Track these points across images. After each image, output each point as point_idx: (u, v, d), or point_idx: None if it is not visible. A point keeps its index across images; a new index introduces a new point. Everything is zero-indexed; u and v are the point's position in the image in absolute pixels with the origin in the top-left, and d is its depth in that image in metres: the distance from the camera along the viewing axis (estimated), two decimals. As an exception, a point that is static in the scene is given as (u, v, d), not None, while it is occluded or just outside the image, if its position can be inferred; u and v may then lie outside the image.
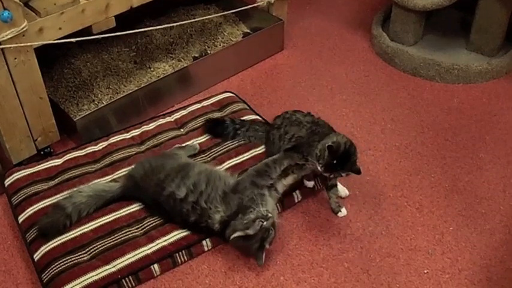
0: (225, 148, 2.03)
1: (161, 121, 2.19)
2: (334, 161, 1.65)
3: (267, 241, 1.67)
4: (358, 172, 1.69)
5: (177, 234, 1.73)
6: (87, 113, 2.12)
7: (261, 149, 2.02)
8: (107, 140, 2.09)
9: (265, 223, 1.63)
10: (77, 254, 1.68)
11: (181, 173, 1.76)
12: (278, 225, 1.73)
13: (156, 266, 1.68)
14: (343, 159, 1.66)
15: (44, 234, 1.72)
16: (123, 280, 1.64)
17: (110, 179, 1.92)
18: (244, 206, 1.67)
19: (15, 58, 1.78)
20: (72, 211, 1.75)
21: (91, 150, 2.05)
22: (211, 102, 2.28)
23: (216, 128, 2.09)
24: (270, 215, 1.66)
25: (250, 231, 1.62)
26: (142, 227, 1.76)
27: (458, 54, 2.54)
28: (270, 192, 1.75)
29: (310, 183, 1.90)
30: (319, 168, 1.68)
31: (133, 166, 1.91)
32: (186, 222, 1.73)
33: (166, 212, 1.76)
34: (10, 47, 1.74)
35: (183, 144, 2.04)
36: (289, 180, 1.84)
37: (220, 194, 1.71)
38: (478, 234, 1.81)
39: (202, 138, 2.08)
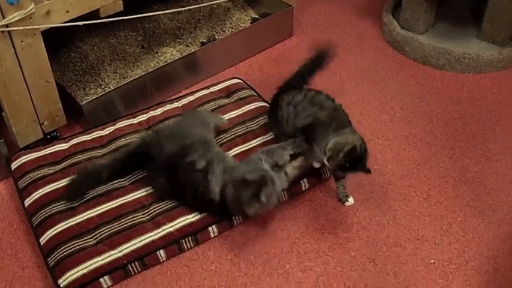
0: (232, 135, 2.02)
1: (168, 107, 2.17)
2: (347, 164, 1.63)
3: (264, 193, 1.61)
4: (368, 172, 1.69)
5: (184, 221, 1.73)
6: (94, 97, 2.11)
7: (268, 136, 2.01)
8: (114, 125, 2.09)
9: (264, 173, 1.64)
10: (82, 239, 1.68)
11: (205, 147, 1.79)
12: (285, 212, 1.73)
13: (162, 251, 1.68)
14: (356, 161, 1.65)
15: (79, 185, 1.79)
16: (129, 265, 1.64)
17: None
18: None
19: (22, 41, 1.77)
20: (106, 165, 1.83)
21: (98, 135, 2.04)
22: (219, 88, 2.26)
23: None
24: (271, 172, 1.67)
25: (248, 176, 1.62)
26: (149, 212, 1.76)
27: (469, 43, 2.51)
28: (277, 171, 1.72)
29: (317, 164, 1.87)
30: (326, 164, 1.66)
31: (165, 123, 2.02)
32: (195, 193, 1.72)
33: (176, 181, 1.75)
34: (17, 30, 1.73)
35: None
36: (299, 161, 1.80)
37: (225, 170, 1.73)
38: (486, 225, 1.80)
39: (209, 125, 2.07)
